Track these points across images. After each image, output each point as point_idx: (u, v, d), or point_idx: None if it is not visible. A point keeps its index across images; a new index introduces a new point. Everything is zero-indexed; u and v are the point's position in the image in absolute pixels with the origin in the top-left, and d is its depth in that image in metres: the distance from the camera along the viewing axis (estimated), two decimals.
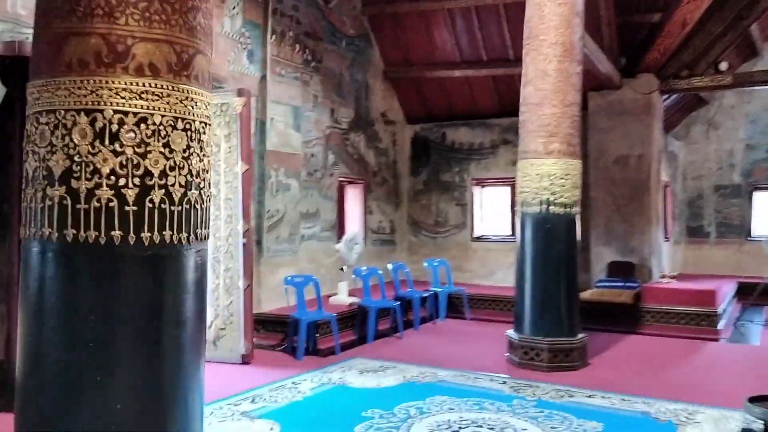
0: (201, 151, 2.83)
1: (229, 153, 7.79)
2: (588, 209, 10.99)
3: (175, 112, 2.71)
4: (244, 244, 7.70)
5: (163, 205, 2.68)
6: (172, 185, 2.70)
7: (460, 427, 5.52)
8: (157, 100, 2.66)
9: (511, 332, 7.95)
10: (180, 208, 2.73)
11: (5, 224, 5.64)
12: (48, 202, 2.62)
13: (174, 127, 2.71)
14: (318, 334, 8.39)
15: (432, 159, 13.36)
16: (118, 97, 2.60)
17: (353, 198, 12.09)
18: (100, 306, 2.60)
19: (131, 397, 2.65)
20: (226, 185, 7.77)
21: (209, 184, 2.93)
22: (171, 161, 2.70)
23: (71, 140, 2.60)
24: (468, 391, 6.60)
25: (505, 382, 6.97)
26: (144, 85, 2.64)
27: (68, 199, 2.59)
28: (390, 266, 10.58)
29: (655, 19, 10.74)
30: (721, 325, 9.80)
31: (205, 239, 2.90)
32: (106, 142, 2.59)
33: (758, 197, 14.21)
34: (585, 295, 9.83)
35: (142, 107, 2.63)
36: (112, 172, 2.59)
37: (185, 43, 2.75)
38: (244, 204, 7.74)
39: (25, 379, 2.68)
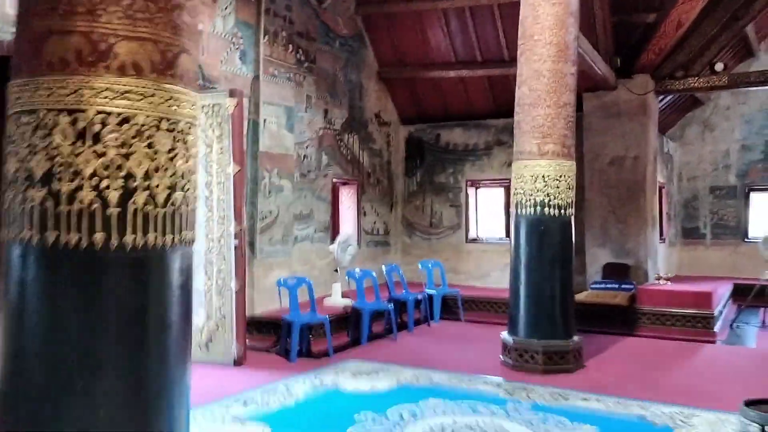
0: (186, 152, 2.78)
1: (221, 154, 7.73)
2: (583, 211, 10.96)
3: (160, 112, 2.66)
4: (236, 246, 7.64)
5: (147, 208, 2.63)
6: (157, 187, 2.65)
7: (453, 431, 5.47)
8: (141, 99, 2.61)
9: (505, 334, 7.90)
10: (164, 210, 2.68)
11: None
12: (29, 204, 2.57)
13: (158, 128, 2.66)
14: (311, 336, 8.33)
15: (426, 160, 13.31)
16: (101, 96, 2.55)
17: (347, 199, 12.04)
18: (82, 310, 2.55)
19: (114, 404, 2.59)
20: (219, 186, 7.72)
21: (195, 185, 2.88)
22: (155, 162, 2.65)
23: (52, 141, 2.55)
24: (462, 394, 6.54)
25: (499, 385, 6.91)
26: (127, 85, 2.59)
27: (49, 201, 2.54)
28: (384, 268, 10.52)
29: (651, 19, 10.71)
30: (717, 327, 9.77)
31: (191, 242, 2.86)
32: (89, 142, 2.54)
33: (754, 198, 14.19)
34: (580, 296, 9.80)
35: (125, 107, 2.58)
36: (95, 173, 2.54)
37: (169, 41, 2.70)
38: (236, 205, 7.68)
39: (6, 385, 2.62)
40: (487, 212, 13.15)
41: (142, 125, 2.61)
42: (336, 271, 9.90)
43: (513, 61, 8.48)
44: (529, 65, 7.68)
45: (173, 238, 2.71)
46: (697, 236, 14.60)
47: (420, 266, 11.45)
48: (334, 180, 11.46)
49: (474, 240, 12.94)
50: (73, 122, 2.54)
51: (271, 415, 5.90)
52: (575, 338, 7.70)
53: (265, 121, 9.60)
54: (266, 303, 9.18)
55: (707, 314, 9.67)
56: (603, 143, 11.41)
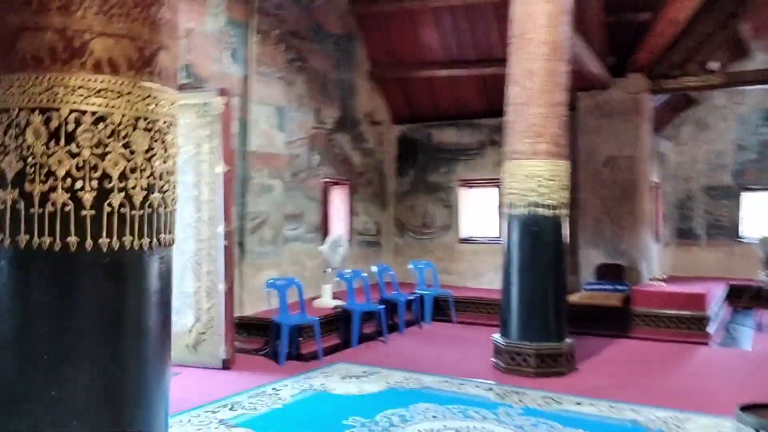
0: (165, 152, 2.70)
1: (211, 153, 7.63)
2: (576, 211, 10.88)
3: (137, 111, 2.59)
4: (225, 247, 7.55)
5: (122, 210, 2.56)
6: (133, 188, 2.58)
7: None
8: (117, 98, 2.54)
9: (497, 336, 7.82)
10: (141, 212, 2.61)
11: None
12: (0, 206, 2.48)
13: (135, 127, 2.59)
14: (301, 338, 8.23)
15: (418, 160, 13.21)
16: (75, 95, 2.49)
17: (338, 199, 11.93)
18: (55, 317, 2.49)
19: (89, 412, 2.53)
20: (208, 186, 7.62)
21: (174, 186, 2.80)
22: (132, 163, 2.58)
23: (24, 140, 2.49)
24: (453, 398, 6.46)
25: (491, 389, 6.83)
26: (102, 83, 2.52)
27: (21, 203, 2.48)
28: (375, 268, 10.44)
29: (645, 18, 10.63)
30: (711, 329, 9.70)
31: (169, 245, 2.79)
32: (62, 142, 2.48)
33: (749, 198, 14.13)
34: (573, 298, 9.73)
35: (100, 106, 2.51)
36: (68, 174, 2.48)
37: (147, 38, 2.63)
38: (225, 205, 7.58)
39: None
40: (479, 212, 13.06)
41: (118, 124, 2.54)
42: (326, 271, 9.80)
43: (506, 60, 8.38)
44: (521, 64, 7.60)
45: (150, 242, 2.64)
46: (691, 237, 14.53)
47: (411, 267, 11.36)
48: (326, 180, 11.35)
49: (466, 240, 12.85)
50: (47, 121, 2.47)
51: (258, 419, 5.81)
52: (568, 340, 7.62)
53: (255, 120, 9.50)
54: (256, 304, 9.09)
55: (702, 316, 9.59)
56: (597, 143, 11.34)
